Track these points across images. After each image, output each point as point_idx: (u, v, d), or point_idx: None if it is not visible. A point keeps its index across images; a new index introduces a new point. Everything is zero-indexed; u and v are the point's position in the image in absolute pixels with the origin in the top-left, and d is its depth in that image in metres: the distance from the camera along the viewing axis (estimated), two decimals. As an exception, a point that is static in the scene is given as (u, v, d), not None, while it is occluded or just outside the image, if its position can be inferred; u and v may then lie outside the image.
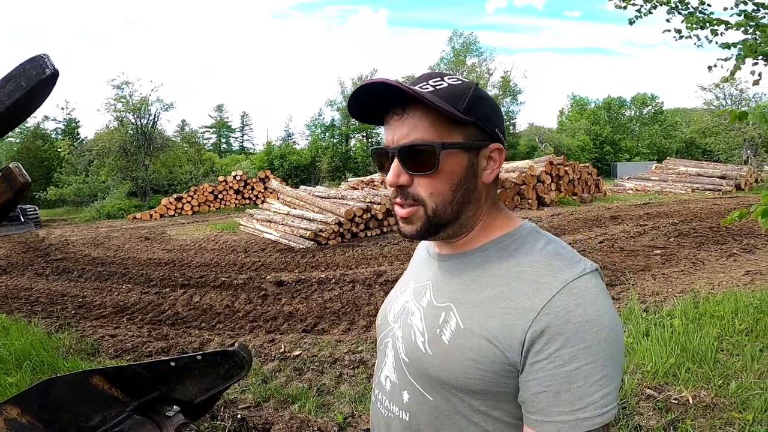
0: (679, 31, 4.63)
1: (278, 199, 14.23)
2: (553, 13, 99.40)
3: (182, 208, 22.04)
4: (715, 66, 4.64)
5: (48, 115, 42.64)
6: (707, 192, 19.32)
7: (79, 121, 44.96)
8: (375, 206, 11.32)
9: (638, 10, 4.86)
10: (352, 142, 45.26)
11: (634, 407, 3.05)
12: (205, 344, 4.73)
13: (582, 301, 0.72)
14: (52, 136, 42.19)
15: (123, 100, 26.92)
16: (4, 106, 0.76)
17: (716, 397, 3.08)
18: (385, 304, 1.03)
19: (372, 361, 4.01)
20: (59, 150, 31.53)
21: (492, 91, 43.17)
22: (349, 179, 21.22)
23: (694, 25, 4.42)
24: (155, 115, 27.90)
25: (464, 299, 0.81)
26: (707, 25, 4.41)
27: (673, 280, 6.19)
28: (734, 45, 4.37)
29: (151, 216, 20.90)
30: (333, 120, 45.98)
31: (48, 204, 29.42)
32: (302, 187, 15.40)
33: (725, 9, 4.30)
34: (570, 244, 8.10)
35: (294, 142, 50.83)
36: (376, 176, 18.12)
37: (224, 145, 64.39)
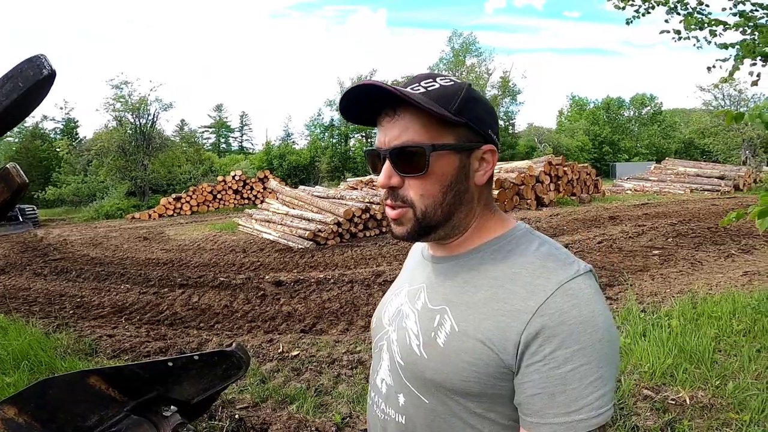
0: (678, 32, 4.63)
1: (277, 199, 14.22)
2: (553, 13, 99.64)
3: (181, 208, 22.03)
4: (714, 67, 4.64)
5: (47, 114, 42.71)
6: (706, 192, 19.35)
7: (77, 121, 44.99)
8: (374, 206, 11.32)
9: (636, 11, 4.87)
10: (351, 142, 45.28)
11: (632, 408, 3.05)
12: (204, 344, 4.73)
13: (576, 303, 0.72)
14: (51, 135, 42.20)
15: (122, 99, 26.91)
16: (1, 106, 0.77)
17: (713, 397, 3.09)
18: (379, 306, 1.03)
19: (370, 361, 4.01)
20: (58, 150, 31.51)
21: (491, 92, 43.23)
22: (348, 179, 21.20)
23: (693, 26, 4.43)
24: (154, 114, 27.93)
25: (458, 302, 0.81)
26: (705, 25, 4.42)
27: (671, 280, 6.20)
28: (732, 45, 4.38)
29: (149, 216, 20.89)
30: (332, 120, 45.98)
31: (47, 204, 29.41)
32: (301, 187, 15.39)
33: (723, 10, 4.31)
34: (568, 244, 8.14)
35: (293, 142, 50.91)
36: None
37: (223, 145, 64.39)
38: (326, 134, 45.04)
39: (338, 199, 12.26)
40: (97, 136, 28.27)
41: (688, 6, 4.51)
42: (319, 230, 10.53)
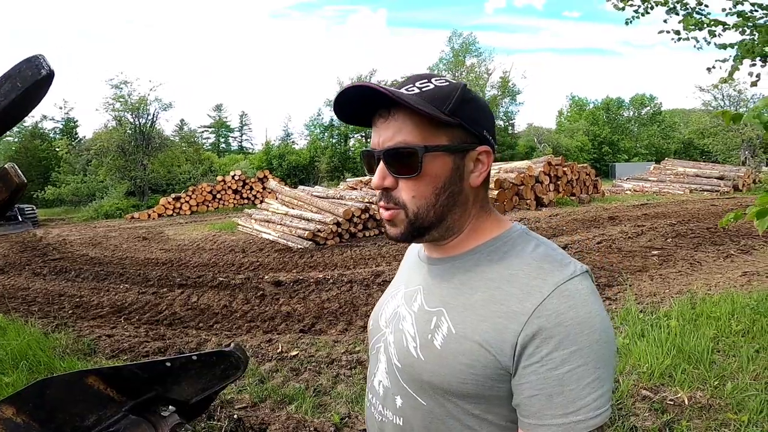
0: (677, 33, 4.64)
1: (277, 199, 14.22)
2: (552, 13, 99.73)
3: (180, 208, 22.03)
4: (713, 68, 4.65)
5: (46, 114, 42.70)
6: (705, 193, 19.36)
7: (77, 121, 44.99)
8: (373, 206, 11.31)
9: (636, 11, 4.88)
10: (351, 142, 45.27)
11: (630, 408, 3.06)
12: (203, 344, 4.73)
13: (573, 304, 0.72)
14: (51, 135, 42.17)
15: (121, 99, 26.89)
16: (0, 106, 0.77)
17: (712, 398, 3.09)
18: (376, 308, 1.02)
19: (369, 362, 4.01)
20: (57, 149, 31.54)
21: (491, 92, 43.25)
22: (347, 179, 21.22)
23: (691, 27, 4.43)
24: (154, 114, 27.92)
25: (455, 303, 0.81)
26: (705, 26, 4.43)
27: (671, 280, 6.21)
28: (732, 46, 4.38)
29: (149, 216, 20.89)
30: (332, 120, 45.97)
31: (46, 203, 29.40)
32: (301, 187, 15.39)
33: (723, 10, 4.32)
34: (568, 244, 8.14)
35: (293, 142, 50.90)
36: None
37: (223, 145, 64.35)
38: (326, 134, 45.04)
39: (338, 199, 12.26)
40: (97, 136, 28.26)
41: (687, 6, 4.52)
42: (319, 230, 10.54)
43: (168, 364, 0.98)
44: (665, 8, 4.59)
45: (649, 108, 50.64)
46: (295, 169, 39.42)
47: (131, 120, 27.35)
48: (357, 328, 5.02)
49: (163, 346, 4.62)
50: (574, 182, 16.77)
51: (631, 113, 51.75)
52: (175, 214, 21.67)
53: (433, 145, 0.78)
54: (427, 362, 0.80)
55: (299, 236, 10.66)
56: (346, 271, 7.59)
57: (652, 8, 4.74)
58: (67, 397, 0.98)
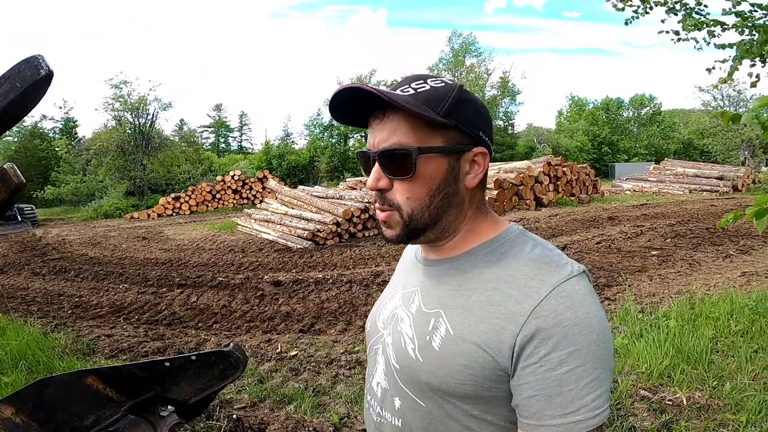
0: (677, 33, 4.64)
1: (276, 199, 14.22)
2: (552, 13, 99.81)
3: (180, 208, 22.02)
4: (713, 68, 4.65)
5: (46, 114, 42.66)
6: (704, 193, 19.37)
7: (76, 121, 44.96)
8: (373, 206, 11.31)
9: (635, 11, 4.88)
10: (351, 142, 45.25)
11: (629, 408, 3.06)
12: (202, 344, 4.73)
13: (571, 304, 0.72)
14: (50, 135, 42.13)
15: (121, 99, 26.89)
16: (-1, 107, 0.77)
17: (710, 398, 3.09)
18: (374, 310, 1.02)
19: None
20: (57, 149, 31.53)
21: (490, 92, 43.24)
22: (347, 179, 21.22)
23: (691, 27, 4.44)
24: (153, 114, 27.91)
25: (453, 305, 0.81)
26: (704, 26, 4.43)
27: (670, 281, 6.21)
28: (731, 46, 4.39)
29: (148, 216, 20.88)
30: (332, 120, 45.79)
31: (45, 203, 29.37)
32: (300, 187, 15.39)
33: (723, 11, 4.32)
34: (567, 244, 8.15)
35: (292, 141, 50.90)
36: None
37: (222, 145, 64.33)
38: (325, 134, 45.00)
39: (337, 199, 12.26)
40: (96, 136, 28.25)
41: (686, 6, 4.52)
42: (318, 230, 10.54)
43: (167, 364, 0.98)
44: (664, 8, 4.60)
45: (648, 108, 50.67)
46: (295, 169, 39.41)
47: (131, 120, 27.35)
48: (356, 328, 5.03)
49: (163, 346, 4.62)
50: (573, 182, 16.77)
51: (631, 113, 51.77)
52: (174, 214, 21.66)
53: (427, 147, 0.78)
54: (425, 364, 0.80)
55: (299, 236, 10.66)
56: (345, 271, 7.60)
57: (651, 8, 4.75)
58: (66, 397, 0.98)
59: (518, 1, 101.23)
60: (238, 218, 14.53)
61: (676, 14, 4.51)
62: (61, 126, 43.81)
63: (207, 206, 22.84)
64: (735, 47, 4.29)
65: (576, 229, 10.75)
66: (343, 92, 0.77)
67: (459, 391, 0.77)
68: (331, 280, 6.97)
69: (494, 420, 0.78)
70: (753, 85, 4.65)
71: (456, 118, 0.78)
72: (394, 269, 1.11)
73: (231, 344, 0.97)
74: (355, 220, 11.05)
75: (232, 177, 24.03)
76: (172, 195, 22.70)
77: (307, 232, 10.52)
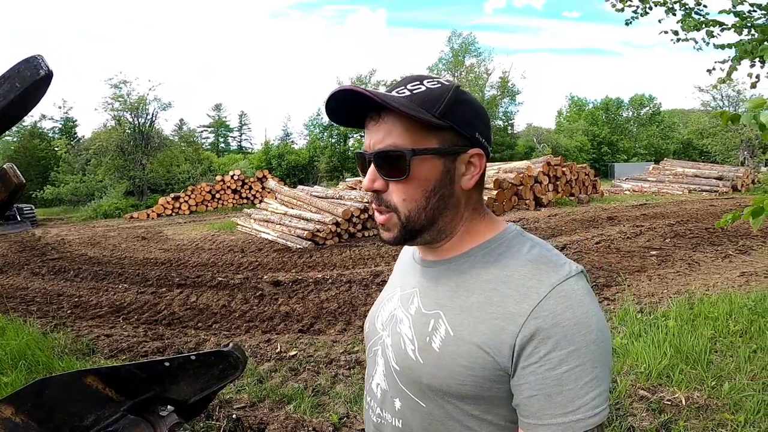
0: (676, 33, 4.64)
1: (276, 198, 14.22)
2: (552, 13, 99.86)
3: (179, 208, 22.01)
4: (713, 69, 4.66)
5: (45, 114, 42.61)
6: (704, 193, 19.38)
7: (76, 120, 44.92)
8: (371, 207, 11.31)
9: (635, 11, 4.88)
10: (351, 142, 45.21)
11: (628, 408, 3.06)
12: (201, 344, 4.73)
13: (570, 304, 0.72)
14: (50, 135, 42.08)
15: (120, 99, 26.86)
16: (-1, 107, 0.77)
17: (709, 398, 3.10)
18: (372, 311, 1.02)
19: (368, 361, 4.01)
20: (56, 149, 31.51)
21: (490, 92, 43.20)
22: (347, 179, 21.22)
23: (690, 27, 4.44)
24: (153, 114, 27.87)
25: (452, 306, 0.81)
26: (702, 26, 4.43)
27: (669, 281, 6.22)
28: (730, 46, 4.39)
29: (148, 215, 20.86)
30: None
31: (45, 203, 29.34)
32: (300, 186, 15.38)
33: (726, 12, 4.32)
34: (567, 244, 8.15)
35: (292, 141, 50.91)
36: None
37: (222, 145, 64.29)
38: (325, 134, 44.98)
39: (337, 199, 12.26)
40: (96, 136, 28.22)
41: (686, 6, 4.52)
42: (318, 230, 10.54)
43: (166, 363, 0.98)
44: (664, 8, 4.60)
45: (648, 108, 50.70)
46: (295, 168, 39.42)
47: (130, 120, 27.32)
48: (356, 328, 5.03)
49: (162, 346, 4.62)
50: (573, 182, 16.77)
51: (631, 113, 51.80)
52: (174, 214, 21.65)
53: (421, 149, 0.78)
54: (425, 365, 0.80)
55: (298, 236, 10.66)
56: (345, 271, 7.60)
57: (650, 9, 4.75)
58: (66, 397, 0.98)
59: (518, 1, 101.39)
60: (238, 218, 14.53)
61: (674, 14, 4.51)
62: (60, 126, 43.80)
63: (206, 206, 22.83)
64: (734, 48, 4.29)
65: (575, 229, 10.76)
66: (338, 94, 0.77)
67: (459, 392, 0.77)
68: (330, 280, 6.97)
69: (495, 420, 0.78)
70: (753, 85, 4.66)
71: (451, 119, 0.78)
72: (393, 269, 1.11)
73: (230, 344, 0.97)
74: (354, 220, 11.05)
75: (232, 177, 24.01)
76: (172, 195, 22.68)
77: (306, 232, 10.52)
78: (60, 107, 42.09)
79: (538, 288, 0.74)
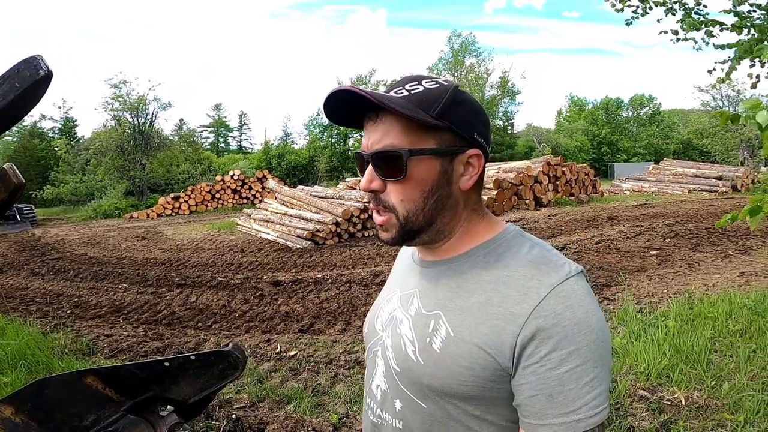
0: (675, 33, 4.64)
1: (276, 198, 14.22)
2: (552, 13, 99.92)
3: (179, 208, 22.01)
4: (714, 70, 4.66)
5: (45, 114, 42.60)
6: (704, 193, 19.39)
7: (76, 120, 44.94)
8: (370, 207, 11.30)
9: (634, 11, 4.88)
10: (351, 141, 45.21)
11: (627, 408, 3.07)
12: (201, 344, 4.73)
13: (570, 304, 0.72)
14: (49, 135, 42.07)
15: (120, 99, 26.85)
16: (-1, 107, 0.77)
17: (709, 398, 3.10)
18: (371, 312, 1.02)
19: (368, 361, 4.01)
20: (56, 149, 31.51)
21: (490, 92, 43.21)
22: (346, 179, 21.21)
23: (690, 27, 4.44)
24: (153, 114, 27.86)
25: (452, 306, 0.81)
26: (702, 26, 4.43)
27: (669, 281, 6.22)
28: (730, 46, 4.39)
29: (147, 215, 20.86)
30: (331, 120, 45.85)
31: (45, 203, 29.34)
32: (300, 186, 15.38)
33: (727, 12, 4.32)
34: (566, 244, 8.15)
35: (292, 141, 50.92)
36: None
37: (222, 145, 64.28)
38: (325, 134, 44.97)
39: (337, 198, 12.26)
40: (96, 136, 28.22)
41: (685, 6, 4.52)
42: (318, 230, 10.54)
43: (166, 364, 0.98)
44: (664, 8, 4.60)
45: (648, 108, 50.72)
46: (295, 168, 39.42)
47: (130, 119, 27.32)
48: (355, 328, 5.03)
49: (162, 346, 4.62)
50: (573, 182, 16.78)
51: (630, 113, 51.82)
52: (174, 214, 21.64)
53: (418, 149, 0.78)
54: (426, 366, 0.80)
55: (298, 236, 10.66)
56: (344, 271, 7.60)
57: (650, 8, 4.75)
58: (66, 397, 0.98)
59: (518, 1, 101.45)
60: (238, 218, 14.53)
61: (674, 14, 4.51)
62: (60, 126, 43.81)
63: (206, 206, 22.83)
64: (734, 48, 4.29)
65: (575, 229, 10.76)
66: (336, 94, 0.77)
67: (460, 392, 0.77)
68: (330, 280, 6.97)
69: (495, 420, 0.78)
70: (753, 86, 4.66)
71: (449, 119, 0.78)
72: (391, 270, 1.10)
73: (230, 344, 0.97)
74: (354, 220, 11.05)
75: (232, 177, 24.01)
76: (172, 195, 22.67)
77: (306, 232, 10.52)
78: (60, 107, 42.17)
79: (539, 288, 0.74)
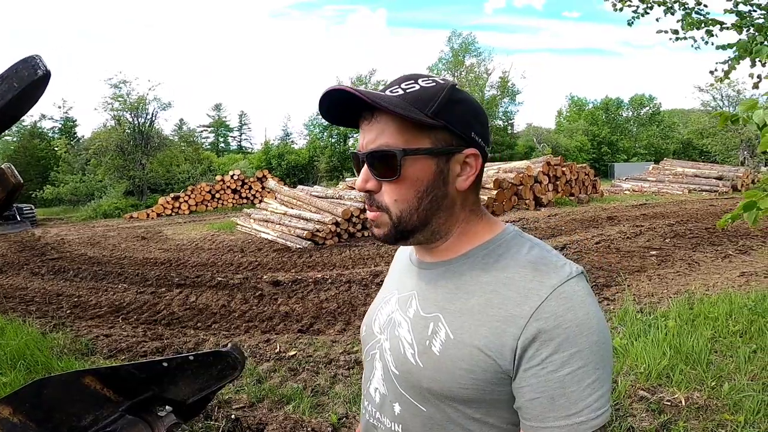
0: (675, 32, 4.65)
1: (276, 198, 14.22)
2: (552, 13, 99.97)
3: (179, 208, 22.00)
4: (715, 70, 4.67)
5: (45, 113, 42.59)
6: (704, 193, 19.39)
7: (76, 120, 44.91)
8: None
9: (635, 11, 4.88)
10: (350, 141, 45.20)
11: (627, 409, 3.06)
12: (201, 344, 4.73)
13: (571, 306, 0.72)
14: (49, 135, 42.07)
15: (120, 99, 26.85)
16: (-3, 107, 0.77)
17: (709, 398, 3.10)
18: (368, 314, 1.01)
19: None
20: (56, 149, 31.52)
21: (490, 92, 43.23)
22: (346, 179, 21.20)
23: (690, 26, 4.44)
24: (152, 114, 27.85)
25: (452, 308, 0.80)
26: (702, 25, 4.44)
27: (669, 281, 6.22)
28: (730, 46, 4.39)
29: (147, 215, 20.86)
30: (330, 120, 45.85)
31: (45, 203, 29.34)
32: (300, 186, 15.38)
33: (725, 11, 4.32)
34: (566, 244, 8.14)
35: (292, 141, 50.93)
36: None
37: (222, 145, 64.28)
38: (325, 134, 44.97)
39: (337, 198, 12.26)
40: (96, 136, 28.23)
41: (686, 6, 4.52)
42: (318, 230, 10.54)
43: (165, 364, 0.98)
44: (663, 8, 4.60)
45: (648, 108, 50.73)
46: (294, 168, 39.42)
47: (130, 119, 27.31)
48: (355, 328, 5.03)
49: (161, 346, 4.62)
50: (573, 182, 16.77)
51: (630, 113, 51.83)
52: (173, 214, 21.64)
53: (412, 149, 0.77)
54: (426, 369, 0.79)
55: (298, 236, 10.66)
56: (344, 271, 7.60)
57: (651, 8, 4.75)
58: (64, 397, 0.98)
59: (518, 1, 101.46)
60: (238, 218, 14.53)
61: (673, 14, 4.51)
62: (60, 126, 43.78)
63: (206, 206, 22.82)
64: (735, 48, 4.29)
65: (575, 229, 10.76)
66: (330, 94, 0.76)
67: (461, 395, 0.76)
68: (330, 280, 6.97)
69: (496, 423, 0.78)
70: (755, 86, 4.66)
71: (445, 118, 0.77)
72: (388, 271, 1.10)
73: (229, 344, 0.97)
74: (354, 219, 11.04)
75: (232, 177, 24.00)
76: (172, 195, 22.66)
77: (306, 232, 10.52)
78: (60, 107, 42.14)
79: (539, 290, 0.73)
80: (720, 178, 20.23)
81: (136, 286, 7.30)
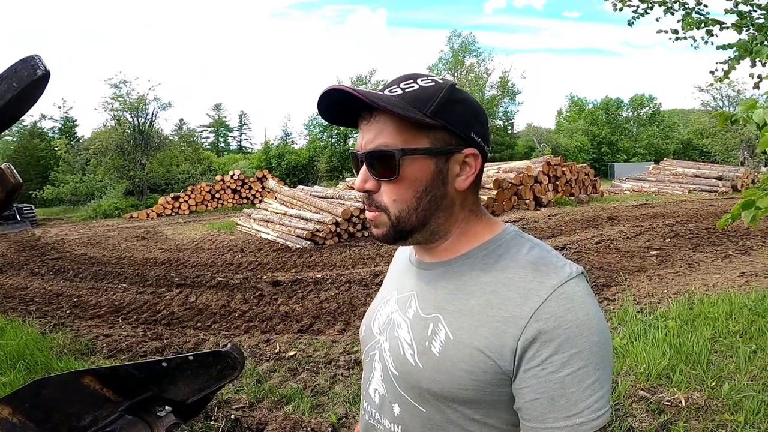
0: (675, 32, 4.65)
1: (276, 198, 14.22)
2: (552, 13, 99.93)
3: (179, 208, 22.00)
4: (716, 71, 4.67)
5: (45, 113, 42.57)
6: (704, 193, 19.40)
7: (76, 120, 44.89)
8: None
9: (635, 11, 4.88)
10: (350, 141, 45.19)
11: (627, 409, 3.06)
12: (201, 344, 4.73)
13: (572, 306, 0.72)
14: (49, 134, 42.06)
15: (120, 99, 26.84)
16: (-4, 107, 0.77)
17: (709, 398, 3.10)
18: (368, 314, 1.00)
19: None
20: (56, 149, 31.51)
21: (490, 92, 43.22)
22: (346, 179, 21.20)
23: (690, 26, 4.44)
24: (152, 114, 27.85)
25: (451, 309, 0.79)
26: (702, 25, 4.44)
27: (669, 281, 6.22)
28: (731, 47, 4.39)
29: (147, 215, 20.86)
30: (330, 120, 45.87)
31: (45, 203, 29.33)
32: (300, 186, 15.37)
33: (726, 11, 4.32)
34: (566, 244, 8.14)
35: (292, 141, 50.92)
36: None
37: (222, 145, 64.26)
38: (325, 134, 44.97)
39: (337, 198, 12.26)
40: (96, 135, 28.23)
41: (686, 6, 4.52)
42: (318, 230, 10.54)
43: (164, 364, 0.98)
44: (663, 8, 4.60)
45: (648, 108, 50.72)
46: (294, 168, 39.42)
47: (130, 119, 27.30)
48: (355, 328, 5.02)
49: (161, 346, 4.62)
50: (573, 182, 16.78)
51: (630, 113, 51.82)
52: (173, 214, 21.63)
53: (411, 148, 0.76)
54: (425, 369, 0.79)
55: (298, 236, 10.66)
56: (344, 271, 7.60)
57: (651, 8, 4.75)
58: (64, 397, 0.98)
59: (518, 1, 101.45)
60: (238, 218, 14.53)
61: (673, 14, 4.51)
62: (60, 126, 43.77)
63: (206, 206, 22.81)
64: (735, 48, 4.29)
65: (575, 229, 10.76)
66: (329, 94, 0.76)
67: (461, 396, 0.76)
68: (330, 280, 6.97)
69: (496, 423, 0.77)
70: (756, 86, 4.66)
71: (444, 118, 0.76)
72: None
73: (229, 344, 0.97)
74: (354, 219, 11.04)
75: (232, 177, 23.99)
76: (172, 195, 22.65)
77: (306, 232, 10.52)
78: (60, 107, 42.11)
79: (539, 290, 0.73)
80: (720, 178, 20.24)
81: (136, 286, 7.30)
